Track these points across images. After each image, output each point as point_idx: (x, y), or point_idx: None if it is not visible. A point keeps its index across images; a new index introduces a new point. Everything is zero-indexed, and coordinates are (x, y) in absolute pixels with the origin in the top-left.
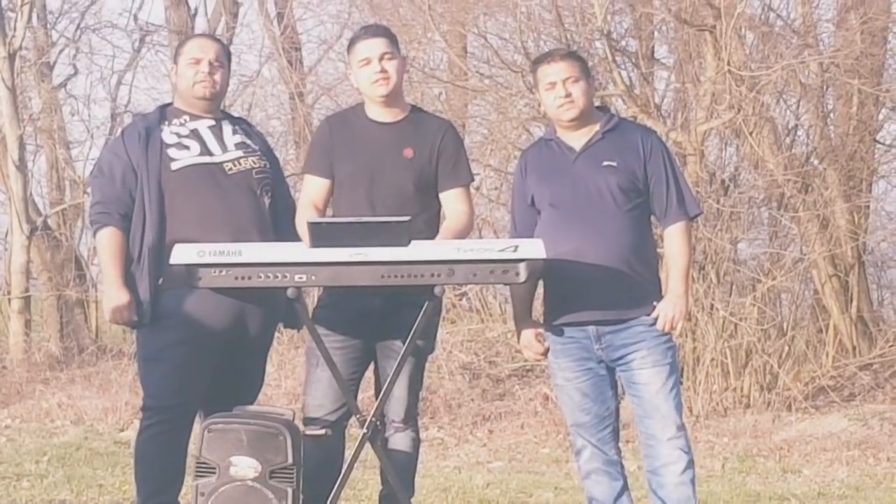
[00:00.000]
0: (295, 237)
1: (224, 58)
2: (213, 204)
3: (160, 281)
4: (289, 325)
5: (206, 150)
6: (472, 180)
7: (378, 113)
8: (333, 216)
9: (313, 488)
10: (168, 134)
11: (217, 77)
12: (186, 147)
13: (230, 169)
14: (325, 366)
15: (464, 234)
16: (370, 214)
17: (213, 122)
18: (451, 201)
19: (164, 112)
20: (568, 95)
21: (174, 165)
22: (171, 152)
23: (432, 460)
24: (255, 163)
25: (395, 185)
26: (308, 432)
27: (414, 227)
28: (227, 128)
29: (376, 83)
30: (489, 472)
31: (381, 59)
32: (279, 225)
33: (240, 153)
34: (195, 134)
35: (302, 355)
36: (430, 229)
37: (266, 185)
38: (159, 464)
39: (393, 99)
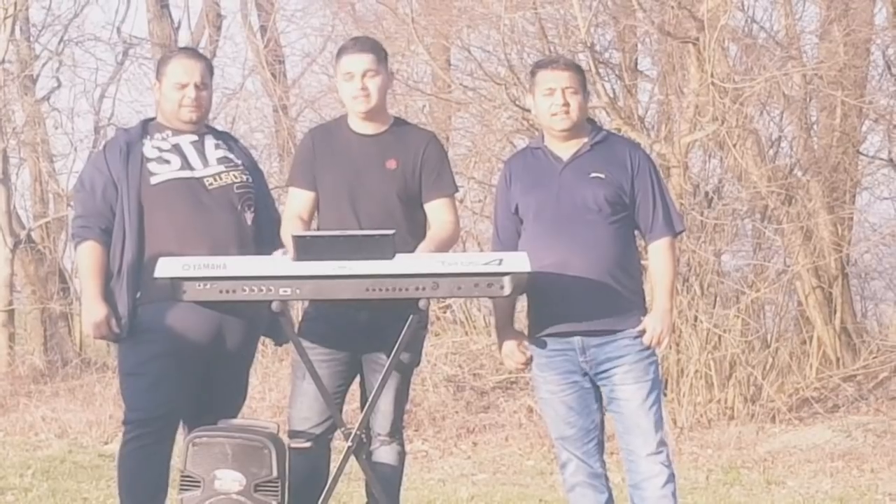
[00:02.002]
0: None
1: (208, 76)
2: (192, 219)
3: (138, 295)
4: (275, 341)
5: (186, 165)
6: (457, 190)
7: (361, 125)
8: (319, 228)
9: (298, 501)
10: (149, 148)
11: (204, 100)
12: (167, 161)
13: (211, 184)
14: (311, 378)
15: (448, 243)
16: (355, 226)
17: (195, 137)
18: (436, 212)
19: (147, 126)
20: (566, 105)
21: (153, 180)
22: (152, 167)
23: (416, 473)
24: (236, 177)
25: (379, 196)
26: (293, 445)
27: (399, 239)
28: (209, 142)
29: (356, 99)
30: (473, 485)
31: (363, 75)
32: (263, 239)
33: (221, 168)
34: (177, 148)
35: (286, 368)
36: (416, 240)
37: (248, 200)
38: (143, 477)
39: (375, 112)
